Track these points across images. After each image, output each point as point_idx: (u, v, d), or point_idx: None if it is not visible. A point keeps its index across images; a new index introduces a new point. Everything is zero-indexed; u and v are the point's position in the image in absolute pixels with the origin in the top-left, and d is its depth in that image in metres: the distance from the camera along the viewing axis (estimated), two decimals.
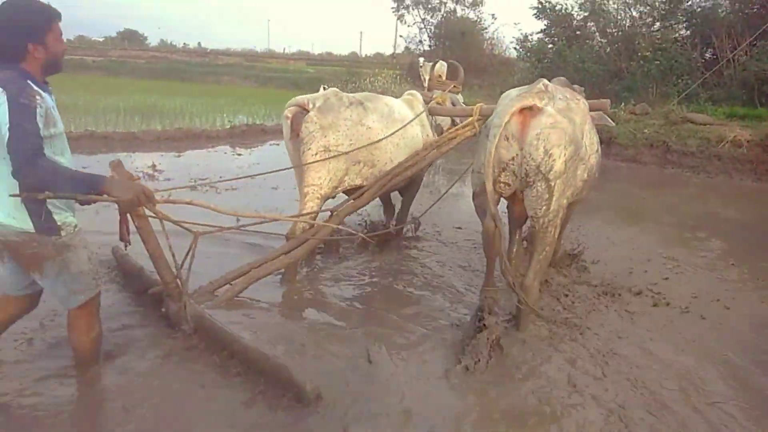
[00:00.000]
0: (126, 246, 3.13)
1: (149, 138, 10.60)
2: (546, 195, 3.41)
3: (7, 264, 2.74)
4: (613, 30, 16.06)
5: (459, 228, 6.14)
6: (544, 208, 3.44)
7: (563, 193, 3.49)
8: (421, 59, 6.82)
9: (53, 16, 2.62)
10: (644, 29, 15.55)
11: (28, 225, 2.57)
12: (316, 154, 4.31)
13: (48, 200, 2.55)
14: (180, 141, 10.91)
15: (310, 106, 4.36)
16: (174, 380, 3.12)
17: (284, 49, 63.09)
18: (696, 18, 14.40)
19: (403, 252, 5.32)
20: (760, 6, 12.90)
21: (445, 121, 5.72)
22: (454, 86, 5.86)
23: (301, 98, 4.46)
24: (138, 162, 8.68)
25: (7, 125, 2.38)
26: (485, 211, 3.66)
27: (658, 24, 15.69)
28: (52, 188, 2.52)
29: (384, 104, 4.85)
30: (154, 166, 8.20)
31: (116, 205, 2.89)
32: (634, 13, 15.95)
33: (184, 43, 52.68)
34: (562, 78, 4.51)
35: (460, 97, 6.01)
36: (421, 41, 24.90)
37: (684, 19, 15.04)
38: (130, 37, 52.25)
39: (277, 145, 11.55)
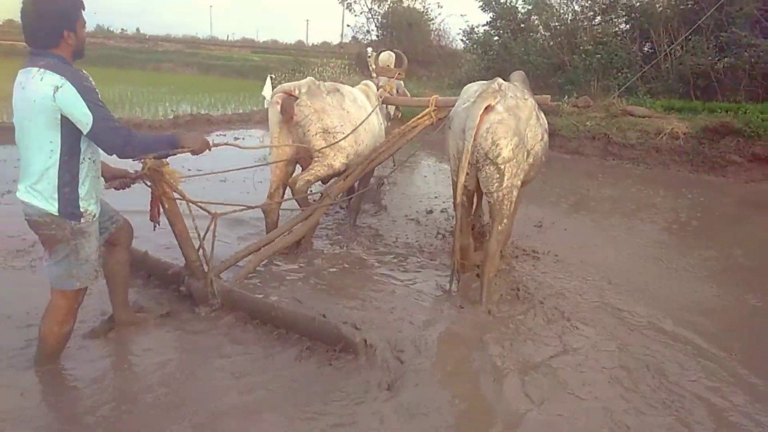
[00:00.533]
0: (155, 227, 3.46)
1: None
2: (497, 175, 4.05)
3: None
4: (556, 24, 16.34)
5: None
6: (496, 185, 4.07)
7: (514, 175, 4.10)
8: (369, 49, 6.98)
9: (81, 4, 2.79)
10: (586, 23, 15.87)
11: (53, 208, 2.74)
12: (315, 134, 4.79)
13: (77, 188, 2.78)
14: None
15: (297, 92, 4.74)
16: (219, 348, 3.40)
17: (228, 36, 61.65)
18: (635, 12, 14.78)
19: (379, 232, 5.92)
20: (694, 2, 13.36)
21: (390, 108, 6.41)
22: (399, 73, 6.30)
23: (287, 85, 4.86)
24: None
25: (85, 108, 2.60)
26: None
27: (599, 18, 16.02)
28: (148, 153, 2.92)
29: (349, 91, 5.29)
30: None
31: (149, 190, 3.36)
32: (576, 7, 16.24)
33: (122, 29, 50.71)
34: (521, 72, 5.14)
35: (401, 84, 6.52)
36: (368, 31, 24.69)
37: (624, 14, 15.40)
38: None
39: (224, 135, 11.31)
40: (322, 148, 4.81)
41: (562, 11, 16.42)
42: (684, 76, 12.73)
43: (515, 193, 4.18)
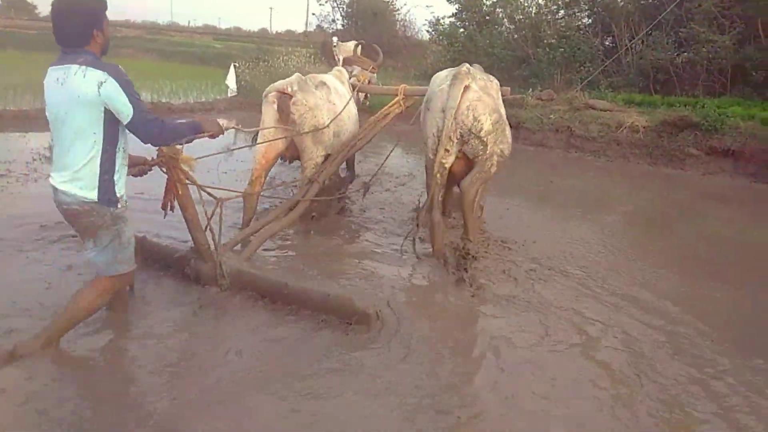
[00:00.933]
0: (165, 214, 3.60)
1: (44, 117, 9.83)
2: (481, 146, 4.53)
3: None
4: (521, 17, 16.48)
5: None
6: (481, 152, 4.56)
7: (496, 143, 4.57)
8: (335, 38, 6.95)
9: (106, 4, 2.98)
10: (549, 17, 16.05)
11: (93, 195, 2.90)
12: (307, 130, 4.99)
13: (113, 176, 2.95)
14: None
15: (290, 89, 4.92)
16: (237, 326, 3.56)
17: (189, 22, 60.32)
18: (597, 7, 15.02)
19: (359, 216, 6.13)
20: None
21: (360, 96, 6.53)
22: (373, 67, 6.44)
23: (279, 84, 5.05)
24: (33, 143, 8.10)
25: (127, 101, 2.81)
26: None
27: (562, 12, 16.25)
28: (178, 140, 3.14)
29: (332, 83, 5.53)
30: (50, 147, 7.65)
31: (164, 177, 3.51)
32: (540, 1, 16.41)
33: None
34: (478, 65, 5.33)
35: (374, 77, 6.70)
36: (333, 20, 24.55)
37: (586, 8, 15.64)
38: (17, 6, 48.23)
39: None
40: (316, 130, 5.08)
41: (526, 4, 16.57)
42: (644, 71, 13.00)
43: (496, 159, 4.64)
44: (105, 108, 2.82)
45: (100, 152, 2.88)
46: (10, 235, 4.63)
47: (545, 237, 5.79)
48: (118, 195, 3.00)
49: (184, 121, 3.25)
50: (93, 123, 2.83)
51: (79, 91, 2.78)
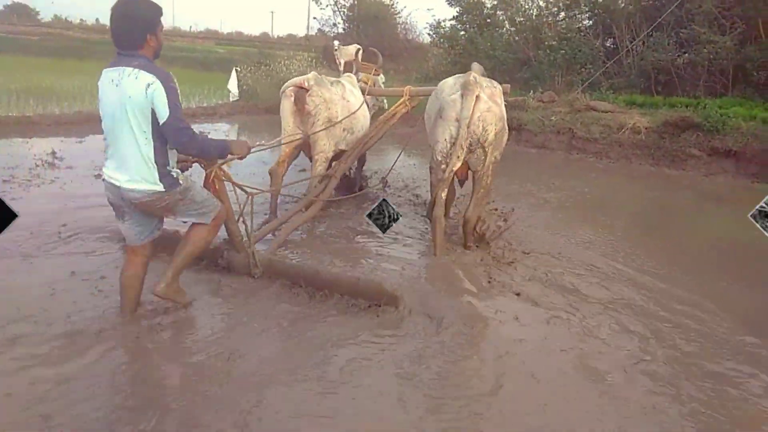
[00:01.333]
0: None
1: (46, 122, 9.92)
2: (483, 156, 4.76)
3: (127, 221, 3.36)
4: (521, 19, 16.50)
5: None
6: (482, 164, 4.81)
7: (493, 153, 4.80)
8: (336, 42, 7.02)
9: (161, 11, 3.18)
10: (550, 19, 16.07)
11: (159, 186, 3.18)
12: (322, 124, 5.29)
13: (167, 167, 3.21)
14: (81, 125, 10.19)
15: (307, 84, 5.22)
16: (273, 311, 3.74)
17: (191, 27, 60.59)
18: (598, 8, 15.03)
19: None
20: None
21: (371, 99, 6.81)
22: (376, 70, 6.73)
23: (296, 79, 5.39)
24: (36, 149, 8.11)
25: (166, 105, 3.02)
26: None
27: (563, 14, 16.25)
28: (204, 155, 3.45)
29: (347, 82, 5.89)
30: (54, 153, 7.70)
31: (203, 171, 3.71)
32: (541, 3, 16.44)
33: (81, 19, 49.33)
34: (478, 65, 5.39)
35: (381, 78, 7.07)
36: (335, 24, 24.55)
37: (587, 10, 15.64)
38: (20, 12, 48.48)
39: None
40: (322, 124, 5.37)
41: (526, 6, 16.60)
42: (645, 72, 13.00)
43: (491, 168, 4.88)
44: (152, 109, 3.04)
45: (152, 149, 3.11)
46: (14, 241, 4.64)
47: (552, 239, 5.80)
48: (176, 177, 3.27)
49: (216, 140, 3.47)
50: (143, 122, 3.05)
51: (131, 91, 3.01)
